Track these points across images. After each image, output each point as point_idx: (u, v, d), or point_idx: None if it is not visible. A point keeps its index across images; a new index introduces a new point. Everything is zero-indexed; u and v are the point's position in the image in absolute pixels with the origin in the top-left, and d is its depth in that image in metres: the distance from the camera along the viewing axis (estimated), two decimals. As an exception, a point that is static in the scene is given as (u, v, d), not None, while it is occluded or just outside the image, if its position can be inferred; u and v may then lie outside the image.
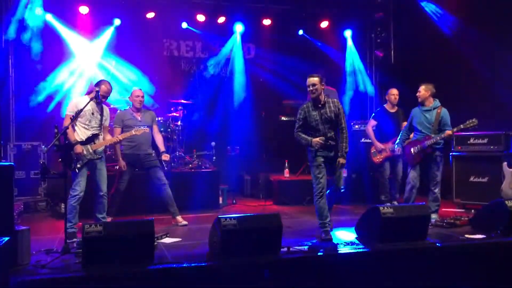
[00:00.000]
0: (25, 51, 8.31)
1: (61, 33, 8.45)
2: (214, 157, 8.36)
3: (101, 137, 5.68)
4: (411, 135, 6.65)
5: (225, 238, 4.43)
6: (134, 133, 6.02)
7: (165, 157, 6.70)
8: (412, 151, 6.49)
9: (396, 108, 7.62)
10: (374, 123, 7.73)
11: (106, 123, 5.84)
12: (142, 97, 6.58)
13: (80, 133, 5.53)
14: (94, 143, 5.56)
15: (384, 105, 7.80)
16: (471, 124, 6.11)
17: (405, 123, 6.98)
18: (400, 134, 6.77)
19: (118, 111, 6.74)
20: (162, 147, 6.71)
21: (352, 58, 10.12)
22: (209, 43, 9.63)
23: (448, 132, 6.21)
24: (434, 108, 6.45)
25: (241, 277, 4.35)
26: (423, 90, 6.52)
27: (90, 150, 5.51)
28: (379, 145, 7.56)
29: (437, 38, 8.66)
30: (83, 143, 5.49)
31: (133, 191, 6.56)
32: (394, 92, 7.59)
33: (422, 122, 6.48)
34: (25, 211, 7.37)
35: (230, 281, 4.31)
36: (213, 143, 8.43)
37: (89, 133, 5.55)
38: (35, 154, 7.90)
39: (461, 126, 6.18)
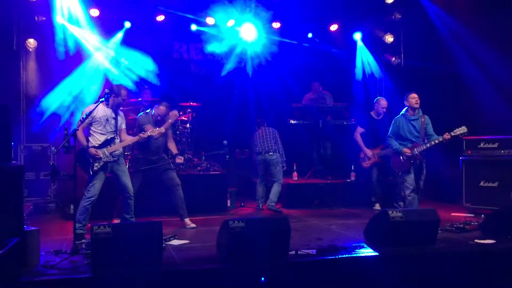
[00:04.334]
0: (37, 54, 8.41)
1: (75, 36, 8.48)
2: (228, 156, 8.30)
3: (117, 140, 5.78)
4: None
5: (233, 241, 4.44)
6: (149, 134, 6.04)
7: (179, 159, 6.74)
8: (402, 159, 6.68)
9: (382, 115, 7.96)
10: (361, 130, 8.13)
11: (123, 126, 5.96)
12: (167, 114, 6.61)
13: (96, 138, 5.66)
14: (110, 146, 5.66)
15: (370, 112, 8.14)
16: (461, 132, 6.28)
17: None
18: (394, 142, 6.85)
19: (141, 115, 6.64)
20: (175, 150, 6.74)
21: (363, 60, 10.08)
22: (218, 46, 9.62)
23: (447, 136, 6.37)
24: (419, 117, 6.67)
25: (249, 280, 4.34)
26: (418, 99, 6.72)
27: (107, 153, 5.65)
28: (368, 152, 7.96)
29: (442, 41, 8.69)
30: (99, 146, 5.62)
31: (141, 194, 6.57)
32: (383, 105, 7.95)
33: (411, 131, 6.70)
34: (35, 212, 7.40)
35: (237, 284, 4.31)
36: (225, 142, 8.36)
37: (104, 138, 5.68)
38: (45, 156, 7.95)
39: (452, 133, 6.32)
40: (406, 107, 6.82)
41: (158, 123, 6.51)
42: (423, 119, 6.63)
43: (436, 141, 6.45)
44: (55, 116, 8.27)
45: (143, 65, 8.66)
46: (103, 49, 8.69)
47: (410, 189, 6.63)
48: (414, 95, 6.86)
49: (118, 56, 8.81)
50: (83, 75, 8.51)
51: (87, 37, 8.55)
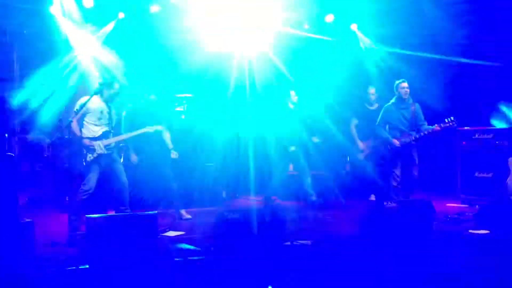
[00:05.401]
0: (30, 44, 8.33)
1: (64, 27, 8.39)
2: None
3: (111, 134, 5.78)
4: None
5: (228, 232, 4.45)
6: (146, 130, 6.09)
7: (174, 155, 6.72)
8: (389, 148, 6.69)
9: (375, 105, 7.81)
10: (355, 122, 8.00)
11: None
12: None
13: (91, 129, 5.63)
14: (106, 139, 5.66)
15: (364, 103, 8.04)
16: (450, 123, 6.27)
17: None
18: (382, 133, 6.85)
19: None
20: (170, 144, 6.72)
21: (360, 50, 10.03)
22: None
23: (437, 127, 6.41)
24: (409, 105, 6.62)
25: (244, 270, 4.36)
26: (408, 88, 6.66)
27: (101, 145, 5.61)
28: (360, 144, 7.87)
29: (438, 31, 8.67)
30: (95, 138, 5.60)
31: (137, 186, 6.57)
32: (371, 91, 7.87)
33: (401, 120, 6.63)
34: (30, 204, 7.39)
35: (233, 275, 4.32)
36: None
37: (98, 129, 5.65)
38: (40, 147, 7.91)
39: (441, 124, 6.36)
40: (396, 96, 6.78)
41: None
42: (413, 108, 6.59)
43: (426, 132, 6.46)
44: (52, 108, 8.21)
45: (135, 56, 8.60)
46: (95, 40, 8.60)
47: (397, 181, 6.64)
48: (404, 85, 6.75)
49: (110, 47, 8.73)
50: (75, 67, 8.44)
51: (80, 28, 8.47)
